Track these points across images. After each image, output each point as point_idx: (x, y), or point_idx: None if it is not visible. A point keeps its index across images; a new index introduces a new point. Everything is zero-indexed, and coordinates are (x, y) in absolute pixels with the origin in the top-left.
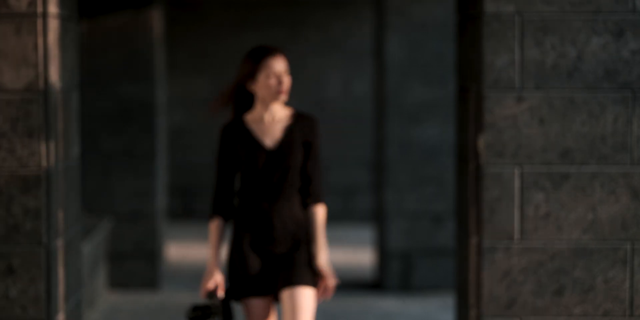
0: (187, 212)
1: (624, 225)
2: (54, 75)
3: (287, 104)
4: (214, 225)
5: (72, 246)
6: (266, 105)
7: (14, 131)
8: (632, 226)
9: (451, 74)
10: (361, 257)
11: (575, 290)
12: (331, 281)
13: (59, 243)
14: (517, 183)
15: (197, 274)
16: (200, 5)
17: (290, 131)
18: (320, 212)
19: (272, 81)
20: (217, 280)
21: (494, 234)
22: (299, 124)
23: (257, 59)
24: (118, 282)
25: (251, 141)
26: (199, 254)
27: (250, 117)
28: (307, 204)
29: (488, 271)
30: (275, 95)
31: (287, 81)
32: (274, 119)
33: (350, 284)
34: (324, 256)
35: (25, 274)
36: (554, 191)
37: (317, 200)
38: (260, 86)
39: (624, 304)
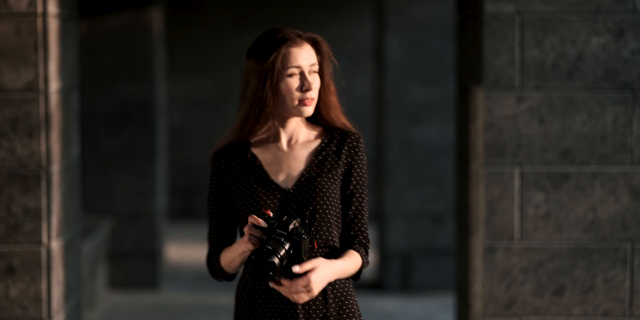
0: (187, 212)
1: (624, 225)
2: (54, 75)
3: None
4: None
5: (72, 246)
6: (282, 121)
7: (14, 131)
8: (632, 226)
9: (451, 74)
10: None
11: (575, 290)
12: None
13: (59, 243)
14: (517, 183)
15: (197, 274)
16: (200, 5)
17: (319, 160)
18: (356, 258)
19: (292, 83)
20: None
21: (494, 234)
22: (334, 146)
23: (268, 51)
24: (118, 282)
25: (258, 176)
26: (199, 253)
27: (257, 139)
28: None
29: (488, 271)
30: (295, 106)
31: (315, 83)
32: (294, 141)
33: None
34: (333, 268)
35: (25, 274)
36: (554, 191)
37: (357, 248)
38: (273, 93)
39: (624, 304)
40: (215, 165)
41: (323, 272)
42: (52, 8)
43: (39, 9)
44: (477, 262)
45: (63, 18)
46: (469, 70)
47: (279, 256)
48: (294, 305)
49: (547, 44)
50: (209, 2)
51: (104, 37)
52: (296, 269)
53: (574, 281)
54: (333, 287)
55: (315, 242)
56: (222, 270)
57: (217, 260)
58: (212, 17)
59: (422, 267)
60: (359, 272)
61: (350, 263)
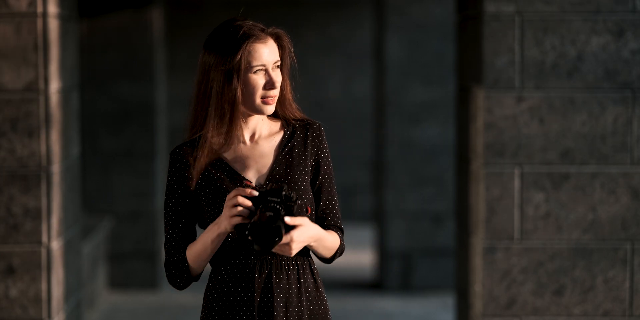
0: None
1: (624, 225)
2: (54, 75)
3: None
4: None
5: (72, 246)
6: (244, 117)
7: (14, 131)
8: (632, 226)
9: (451, 74)
10: (361, 257)
11: (575, 290)
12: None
13: (59, 243)
14: (517, 183)
15: None
16: (200, 5)
17: (285, 152)
18: (334, 236)
19: (257, 81)
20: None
21: (494, 234)
22: (298, 138)
23: (232, 47)
24: (118, 282)
25: (227, 174)
26: None
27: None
28: None
29: (488, 271)
30: (258, 104)
31: (277, 79)
32: (257, 136)
33: (350, 284)
34: (315, 231)
35: (25, 274)
36: (554, 191)
37: (335, 231)
38: (236, 90)
39: (624, 304)
40: (176, 165)
41: (306, 231)
42: (52, 8)
43: (39, 9)
44: (477, 262)
45: (63, 18)
46: (469, 70)
47: (282, 221)
48: (272, 306)
49: (547, 44)
50: (209, 2)
51: (104, 37)
52: (287, 219)
53: (574, 281)
54: (307, 290)
55: (309, 207)
56: (187, 268)
57: (183, 259)
58: (212, 17)
59: (422, 267)
60: (334, 256)
61: (329, 237)
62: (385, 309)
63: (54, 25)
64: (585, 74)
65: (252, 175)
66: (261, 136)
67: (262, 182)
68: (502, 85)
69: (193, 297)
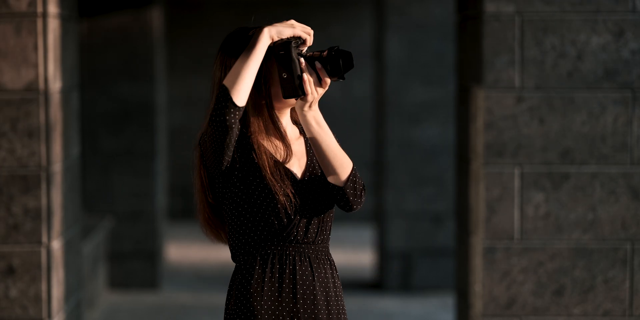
0: (187, 212)
1: (624, 225)
2: (54, 75)
3: None
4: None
5: (72, 246)
6: (282, 111)
7: (14, 131)
8: (632, 226)
9: (451, 74)
10: (361, 257)
11: (575, 290)
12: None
13: (59, 243)
14: (517, 183)
15: (197, 274)
16: (200, 5)
17: (312, 152)
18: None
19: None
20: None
21: (494, 234)
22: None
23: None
24: (118, 282)
25: (270, 163)
26: (199, 254)
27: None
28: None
29: (488, 271)
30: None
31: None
32: (290, 137)
33: (350, 284)
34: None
35: (25, 274)
36: (554, 191)
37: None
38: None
39: (624, 304)
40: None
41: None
42: (52, 8)
43: (39, 9)
44: (477, 262)
45: (63, 18)
46: (469, 70)
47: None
48: (315, 298)
49: (547, 44)
50: (209, 2)
51: (104, 37)
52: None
53: (574, 281)
54: (337, 284)
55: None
56: (227, 94)
57: (225, 93)
58: (212, 17)
59: (422, 267)
60: (350, 178)
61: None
62: (385, 309)
63: (54, 25)
64: (585, 74)
65: (296, 170)
66: (292, 137)
67: (299, 177)
68: (502, 85)
69: (193, 297)
